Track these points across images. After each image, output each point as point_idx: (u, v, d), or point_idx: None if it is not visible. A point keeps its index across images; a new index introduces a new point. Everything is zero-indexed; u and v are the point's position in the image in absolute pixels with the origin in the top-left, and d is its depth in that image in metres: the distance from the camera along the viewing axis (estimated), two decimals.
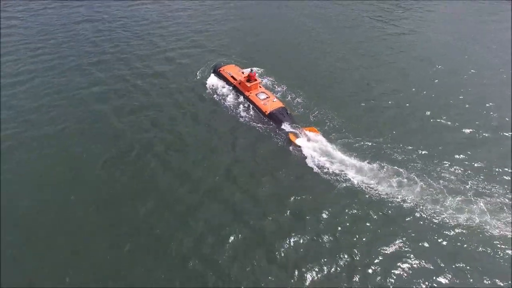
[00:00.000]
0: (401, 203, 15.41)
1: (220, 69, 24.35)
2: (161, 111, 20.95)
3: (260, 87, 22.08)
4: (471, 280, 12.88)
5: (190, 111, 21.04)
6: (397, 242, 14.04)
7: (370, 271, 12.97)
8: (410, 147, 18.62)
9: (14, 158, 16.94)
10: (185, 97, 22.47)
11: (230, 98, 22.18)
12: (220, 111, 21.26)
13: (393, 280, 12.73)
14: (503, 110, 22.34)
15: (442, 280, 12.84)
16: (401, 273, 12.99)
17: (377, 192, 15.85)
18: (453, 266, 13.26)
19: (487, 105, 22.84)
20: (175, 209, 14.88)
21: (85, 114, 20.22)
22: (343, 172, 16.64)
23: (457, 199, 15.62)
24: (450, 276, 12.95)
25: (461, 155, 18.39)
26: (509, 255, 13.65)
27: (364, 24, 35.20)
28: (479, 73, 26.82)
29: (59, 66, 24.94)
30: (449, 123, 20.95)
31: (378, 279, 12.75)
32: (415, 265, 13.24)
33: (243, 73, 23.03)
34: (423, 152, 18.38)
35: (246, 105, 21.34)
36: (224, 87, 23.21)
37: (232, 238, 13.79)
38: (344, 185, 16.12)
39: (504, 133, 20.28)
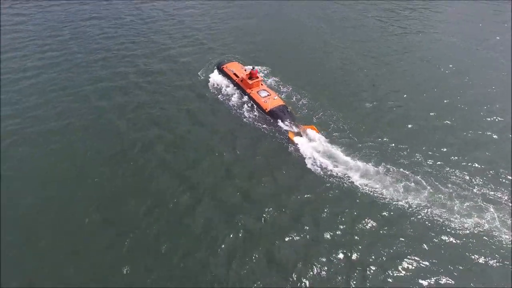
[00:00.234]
0: (406, 207, 15.14)
1: (223, 66, 24.48)
2: (164, 108, 21.13)
3: (262, 84, 22.11)
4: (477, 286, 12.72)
5: (192, 109, 21.17)
6: (400, 245, 13.83)
7: (371, 275, 12.80)
8: (416, 149, 18.31)
9: (17, 155, 17.21)
10: (188, 94, 22.61)
11: (232, 96, 22.25)
12: (222, 109, 21.36)
13: (394, 283, 12.62)
14: (509, 111, 21.89)
15: (447, 285, 12.66)
16: (404, 276, 12.82)
17: (382, 195, 15.57)
18: (459, 273, 13.01)
19: (492, 106, 22.41)
20: (174, 207, 14.96)
21: (89, 111, 20.52)
22: (346, 175, 16.44)
23: (466, 204, 15.28)
24: (455, 282, 12.77)
25: (467, 157, 18.03)
26: None
27: (368, 24, 34.75)
28: (484, 74, 26.31)
29: (65, 62, 25.33)
30: (454, 124, 20.61)
31: (378, 282, 12.66)
32: (418, 270, 13.06)
33: (245, 70, 23.10)
34: (429, 153, 18.11)
35: (247, 103, 21.37)
36: (226, 84, 23.28)
37: (231, 237, 13.81)
38: (347, 186, 15.97)
39: (510, 135, 19.89)
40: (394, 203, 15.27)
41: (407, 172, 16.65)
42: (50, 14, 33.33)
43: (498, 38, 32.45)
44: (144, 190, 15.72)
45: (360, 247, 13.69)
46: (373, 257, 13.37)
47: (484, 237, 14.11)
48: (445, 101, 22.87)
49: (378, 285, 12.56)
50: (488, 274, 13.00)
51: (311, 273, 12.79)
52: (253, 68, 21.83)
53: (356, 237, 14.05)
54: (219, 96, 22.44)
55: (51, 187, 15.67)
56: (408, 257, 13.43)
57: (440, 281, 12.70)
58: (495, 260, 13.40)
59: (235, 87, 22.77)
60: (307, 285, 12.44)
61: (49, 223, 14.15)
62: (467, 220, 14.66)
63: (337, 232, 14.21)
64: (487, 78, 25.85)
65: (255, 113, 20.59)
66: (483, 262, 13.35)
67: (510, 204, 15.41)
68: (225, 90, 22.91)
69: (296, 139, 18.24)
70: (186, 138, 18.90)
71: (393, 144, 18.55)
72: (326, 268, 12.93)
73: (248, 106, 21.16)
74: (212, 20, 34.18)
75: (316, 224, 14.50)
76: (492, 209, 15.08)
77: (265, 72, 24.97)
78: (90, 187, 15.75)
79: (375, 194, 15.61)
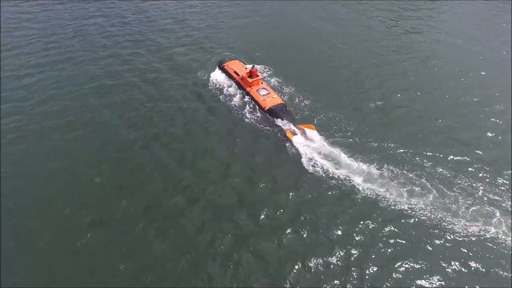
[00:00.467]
0: (409, 210, 14.96)
1: (225, 64, 24.57)
2: (164, 106, 21.25)
3: (262, 83, 22.14)
4: None
5: (192, 107, 21.30)
6: (401, 248, 13.66)
7: (371, 277, 12.66)
8: (419, 151, 18.13)
9: (17, 152, 17.43)
10: (189, 92, 22.74)
11: (232, 94, 22.34)
12: (221, 107, 21.45)
13: (394, 285, 12.54)
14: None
15: None
16: (404, 279, 12.69)
17: (384, 198, 15.37)
18: (462, 276, 12.84)
19: (497, 107, 22.21)
20: (171, 206, 15.05)
21: (90, 109, 20.74)
22: (347, 176, 16.29)
23: (471, 208, 15.02)
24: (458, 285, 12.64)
25: (471, 160, 17.80)
26: None
27: (371, 25, 34.50)
28: (489, 75, 26.04)
29: (67, 60, 25.64)
30: (457, 125, 20.43)
31: (378, 283, 12.60)
32: (419, 272, 12.92)
33: (246, 68, 23.21)
34: (433, 155, 17.92)
35: (247, 101, 21.42)
36: (227, 83, 23.37)
37: (228, 237, 13.88)
38: (347, 187, 15.93)
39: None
40: (397, 206, 15.08)
41: (410, 175, 16.49)
42: (54, 13, 33.72)
43: (501, 38, 32.06)
44: (144, 188, 15.83)
45: (360, 249, 13.55)
46: (373, 259, 13.25)
47: (489, 243, 13.85)
48: (448, 102, 22.71)
49: (378, 286, 12.50)
50: (492, 278, 12.84)
51: (309, 273, 12.77)
52: (253, 66, 21.87)
53: (356, 239, 13.94)
54: (219, 94, 22.51)
55: (51, 186, 15.78)
56: (410, 260, 13.28)
57: (443, 285, 12.59)
58: (499, 265, 13.20)
59: (235, 85, 22.82)
60: (305, 286, 12.46)
61: (48, 223, 14.17)
62: (472, 224, 14.40)
63: (337, 233, 14.14)
64: (492, 79, 25.55)
65: (255, 112, 20.61)
66: (487, 267, 13.14)
67: None
68: (226, 88, 22.98)
69: (294, 138, 18.27)
70: (185, 136, 19.03)
71: (396, 146, 18.37)
72: (323, 269, 12.87)
73: (248, 105, 21.19)
74: (215, 20, 34.22)
75: (315, 225, 14.43)
76: (498, 214, 14.84)
77: (269, 72, 24.90)
78: (90, 186, 15.79)
79: (378, 197, 15.41)
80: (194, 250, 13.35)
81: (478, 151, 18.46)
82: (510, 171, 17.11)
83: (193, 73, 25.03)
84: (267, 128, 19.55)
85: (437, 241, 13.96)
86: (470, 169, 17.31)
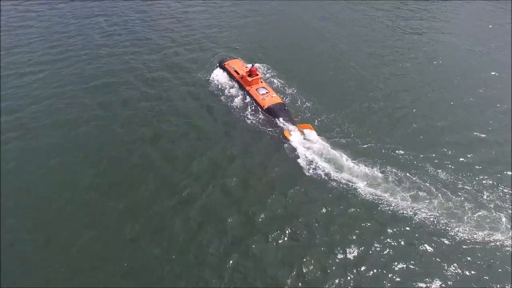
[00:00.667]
0: (412, 214, 14.37)
1: (225, 63, 24.42)
2: (163, 105, 21.03)
3: (261, 82, 21.87)
4: None
5: (191, 105, 21.09)
6: (403, 253, 13.12)
7: (371, 283, 12.21)
8: (424, 153, 17.46)
9: (18, 150, 17.30)
10: (189, 91, 22.55)
11: (232, 92, 22.13)
12: (220, 105, 21.19)
13: None
14: None
15: None
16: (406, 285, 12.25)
17: (387, 202, 14.79)
18: (466, 283, 12.32)
19: (501, 108, 21.53)
20: (164, 207, 14.71)
21: (92, 108, 20.59)
22: (349, 181, 15.73)
23: (477, 214, 14.40)
24: None
25: (476, 163, 17.12)
26: None
27: (375, 25, 33.82)
28: (495, 77, 25.32)
29: (70, 59, 25.67)
30: (461, 126, 19.74)
31: None
32: (421, 279, 12.41)
33: (246, 67, 22.99)
34: (437, 158, 17.31)
35: (246, 100, 21.19)
36: (227, 81, 23.20)
37: (224, 239, 13.50)
38: (346, 190, 15.32)
39: None
40: (400, 210, 14.48)
41: (414, 178, 15.88)
42: (57, 11, 34.05)
43: (505, 39, 31.31)
44: (142, 187, 15.54)
45: (360, 253, 13.03)
46: (373, 264, 12.71)
47: (494, 249, 13.26)
48: (451, 103, 22.03)
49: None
50: (496, 284, 12.33)
51: (307, 277, 12.37)
52: (252, 65, 21.63)
53: (357, 243, 13.38)
54: (219, 93, 22.31)
55: (51, 185, 15.59)
56: (411, 265, 12.73)
57: None
58: (504, 272, 12.66)
59: (235, 84, 22.66)
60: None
61: (48, 222, 13.97)
62: (477, 230, 13.80)
63: (336, 237, 13.62)
64: (498, 80, 24.88)
65: (253, 110, 20.34)
66: (493, 274, 12.56)
67: None
68: (225, 86, 22.78)
69: (292, 138, 17.90)
70: (183, 136, 18.71)
71: (399, 148, 17.75)
72: (321, 274, 12.40)
73: (247, 104, 20.93)
74: (218, 20, 34.08)
75: (315, 229, 13.89)
76: (503, 219, 14.19)
77: (272, 73, 24.52)
78: (90, 185, 15.59)
79: (380, 201, 14.83)
80: (189, 251, 13.06)
81: (482, 153, 17.81)
82: None
83: (194, 72, 24.85)
84: (266, 127, 19.20)
85: (440, 247, 13.36)
86: (475, 172, 16.64)
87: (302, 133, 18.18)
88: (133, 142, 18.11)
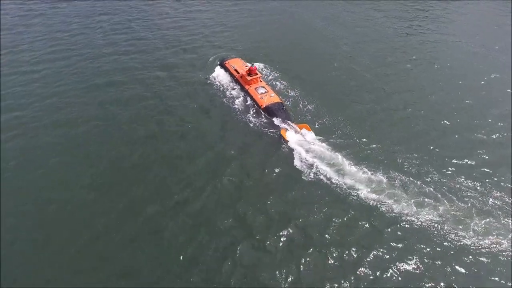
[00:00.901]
0: (415, 221, 14.15)
1: (226, 62, 24.53)
2: (163, 104, 21.13)
3: (260, 81, 21.91)
4: None
5: (190, 104, 21.16)
6: (406, 261, 12.91)
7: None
8: (429, 158, 17.28)
9: (18, 149, 17.42)
10: (190, 90, 22.62)
11: (231, 91, 22.23)
12: (219, 104, 21.26)
13: None
14: None
15: None
16: None
17: (390, 208, 14.54)
18: None
19: (504, 109, 21.31)
20: (159, 210, 14.71)
21: (93, 107, 20.75)
22: (352, 186, 15.53)
23: (484, 220, 14.11)
24: None
25: (482, 167, 16.87)
26: None
27: (380, 27, 33.55)
28: (501, 79, 25.02)
29: (72, 57, 25.83)
30: (467, 130, 19.52)
31: None
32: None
33: (246, 66, 23.00)
34: (441, 162, 17.11)
35: (245, 99, 21.27)
36: (227, 80, 23.32)
37: (220, 237, 13.60)
38: (345, 193, 15.23)
39: None
40: (403, 216, 14.27)
41: (418, 183, 15.67)
42: (61, 10, 34.31)
43: (509, 40, 30.84)
44: (143, 186, 15.63)
45: (361, 257, 12.90)
46: (374, 270, 12.54)
47: (501, 257, 13.01)
48: (453, 105, 21.81)
49: None
50: None
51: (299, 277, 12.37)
52: (252, 64, 21.65)
53: (357, 250, 13.18)
54: (218, 91, 22.38)
55: (51, 184, 15.64)
56: (414, 273, 12.56)
57: None
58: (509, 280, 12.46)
59: (235, 83, 22.76)
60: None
61: (48, 221, 14.03)
62: (484, 238, 13.55)
63: (336, 244, 13.40)
64: (504, 83, 24.55)
65: (252, 110, 20.39)
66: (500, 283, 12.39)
67: None
68: (225, 85, 22.88)
69: (289, 137, 17.94)
70: (183, 135, 18.81)
71: (403, 152, 17.54)
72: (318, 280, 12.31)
73: (246, 103, 20.99)
74: (220, 20, 34.04)
75: (312, 232, 13.76)
76: (511, 225, 13.97)
77: (275, 75, 24.42)
78: (90, 185, 15.64)
79: (382, 206, 14.65)
80: (187, 252, 13.07)
81: (486, 156, 17.60)
82: None
83: (195, 71, 24.93)
84: (264, 127, 19.25)
85: (445, 254, 13.17)
86: (481, 176, 16.37)
87: (299, 132, 18.17)
88: (133, 142, 18.21)
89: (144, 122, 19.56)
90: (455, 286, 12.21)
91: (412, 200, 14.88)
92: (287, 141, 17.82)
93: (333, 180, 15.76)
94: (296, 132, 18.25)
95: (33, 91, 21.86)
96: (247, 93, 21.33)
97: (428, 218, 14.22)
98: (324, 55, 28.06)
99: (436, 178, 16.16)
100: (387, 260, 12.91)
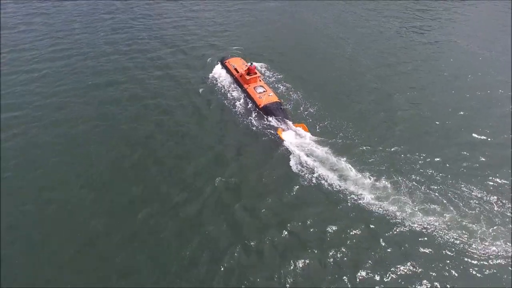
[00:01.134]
0: (419, 227, 13.90)
1: (226, 61, 24.59)
2: (163, 104, 21.21)
3: (260, 80, 21.92)
4: None
5: (189, 103, 21.26)
6: (409, 269, 12.67)
7: None
8: (434, 162, 17.04)
9: (18, 148, 17.55)
10: (190, 89, 22.75)
11: (230, 90, 22.29)
12: (218, 103, 21.32)
13: None
14: None
15: None
16: None
17: (394, 214, 14.26)
18: None
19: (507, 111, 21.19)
20: (152, 207, 14.85)
21: (93, 106, 20.87)
22: (354, 192, 15.28)
23: (492, 228, 13.80)
24: None
25: (488, 171, 16.61)
26: None
27: (382, 28, 33.35)
28: (500, 79, 24.93)
29: (73, 56, 26.02)
30: (479, 136, 19.23)
31: None
32: None
33: (246, 66, 23.01)
34: (445, 167, 16.85)
35: (243, 98, 21.32)
36: (226, 79, 23.39)
37: (218, 240, 13.56)
38: (343, 195, 15.09)
39: None
40: (406, 222, 14.07)
41: (422, 188, 15.54)
42: (63, 9, 34.48)
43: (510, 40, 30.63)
44: (142, 186, 15.70)
45: (362, 268, 12.68)
46: (375, 276, 12.41)
47: (508, 265, 12.81)
48: (454, 106, 21.70)
49: None
50: None
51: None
52: (251, 64, 21.67)
53: (358, 258, 12.99)
54: (218, 91, 22.47)
55: (51, 184, 15.74)
56: (418, 282, 12.35)
57: None
58: None
59: (234, 82, 22.82)
60: None
61: (48, 221, 14.11)
62: (490, 244, 13.32)
63: (335, 250, 13.23)
64: (500, 82, 24.51)
65: (250, 109, 20.44)
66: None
67: None
68: (225, 84, 22.95)
69: (285, 137, 18.01)
70: (183, 135, 18.88)
71: (407, 156, 17.35)
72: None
73: (244, 102, 21.04)
74: (222, 20, 34.07)
75: (316, 242, 13.53)
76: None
77: (279, 77, 24.30)
78: (91, 186, 15.70)
79: (385, 212, 14.42)
80: (186, 252, 13.13)
81: (489, 158, 17.42)
82: None
83: (196, 71, 25.03)
84: (263, 127, 19.25)
85: (451, 262, 12.94)
86: (487, 181, 16.16)
87: (296, 132, 18.23)
88: (133, 142, 18.30)
89: (144, 122, 19.65)
90: None
91: (417, 207, 14.60)
92: (283, 140, 17.87)
93: (330, 182, 15.61)
94: (293, 131, 18.29)
95: (33, 90, 22.03)
96: (245, 92, 21.38)
97: (433, 224, 13.95)
98: (325, 55, 28.01)
99: (439, 182, 15.92)
100: (387, 266, 12.76)
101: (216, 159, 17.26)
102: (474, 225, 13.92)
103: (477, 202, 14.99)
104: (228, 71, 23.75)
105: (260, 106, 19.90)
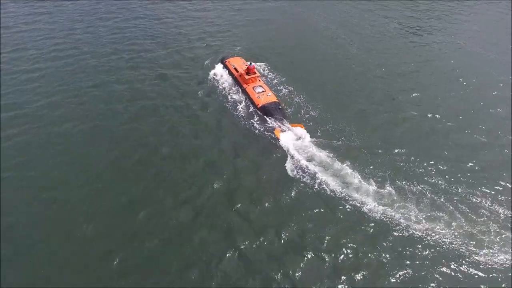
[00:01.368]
0: (422, 234, 13.78)
1: (226, 60, 24.63)
2: (163, 103, 21.20)
3: (259, 80, 21.95)
4: None
5: (190, 103, 21.26)
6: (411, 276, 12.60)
7: None
8: (439, 167, 16.95)
9: (18, 148, 17.51)
10: (189, 88, 22.80)
11: (230, 90, 22.34)
12: (217, 103, 21.37)
13: None
14: None
15: None
16: None
17: (398, 222, 14.13)
18: None
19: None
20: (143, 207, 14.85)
21: (94, 107, 20.82)
22: (358, 198, 15.13)
23: (499, 237, 13.68)
24: None
25: (493, 176, 16.53)
26: None
27: (384, 28, 33.38)
28: (502, 80, 24.90)
29: (74, 56, 25.98)
30: (481, 138, 19.20)
31: None
32: None
33: (245, 65, 23.01)
34: (449, 171, 16.77)
35: (242, 98, 21.38)
36: (226, 78, 23.44)
37: (212, 236, 13.69)
38: (340, 198, 15.07)
39: None
40: (409, 228, 13.95)
41: (429, 194, 15.43)
42: (65, 10, 34.45)
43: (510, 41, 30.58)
44: (142, 186, 15.75)
45: (364, 275, 12.63)
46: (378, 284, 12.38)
47: None
48: (455, 106, 21.70)
49: None
50: None
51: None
52: (250, 63, 21.69)
53: (359, 264, 12.91)
54: (217, 90, 22.50)
55: (52, 184, 15.74)
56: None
57: None
58: None
59: (234, 82, 22.87)
60: None
61: (49, 222, 14.13)
62: (497, 254, 13.16)
63: (337, 255, 13.19)
64: (503, 83, 24.48)
65: (249, 109, 20.48)
66: None
67: None
68: (224, 84, 23.01)
69: (282, 137, 18.05)
70: (181, 134, 18.91)
71: (410, 159, 17.31)
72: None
73: (243, 101, 21.10)
74: (222, 20, 34.04)
75: (317, 251, 13.47)
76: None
77: (282, 79, 24.17)
78: (91, 186, 15.71)
79: (389, 219, 14.32)
80: (185, 252, 13.19)
81: (492, 160, 17.38)
82: None
83: (196, 70, 25.04)
84: (261, 127, 19.25)
85: (456, 271, 12.86)
86: (494, 186, 16.10)
87: (294, 132, 18.24)
88: (133, 142, 18.31)
89: (144, 123, 19.65)
90: None
91: (423, 214, 14.49)
92: (281, 140, 17.91)
93: (332, 188, 15.53)
94: (290, 131, 18.31)
95: (33, 90, 22.01)
96: (244, 92, 21.41)
97: (440, 233, 13.83)
98: (325, 56, 27.99)
99: (443, 188, 15.84)
100: (392, 274, 12.68)
101: (216, 161, 17.25)
102: (480, 234, 13.76)
103: (483, 209, 14.86)
104: (228, 70, 23.78)
105: (258, 106, 19.92)
